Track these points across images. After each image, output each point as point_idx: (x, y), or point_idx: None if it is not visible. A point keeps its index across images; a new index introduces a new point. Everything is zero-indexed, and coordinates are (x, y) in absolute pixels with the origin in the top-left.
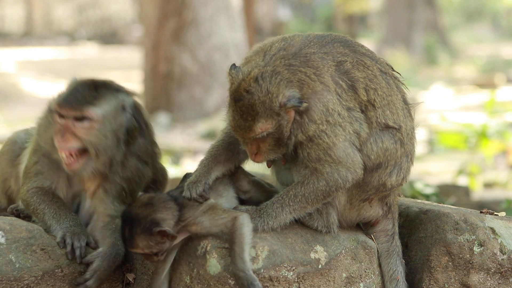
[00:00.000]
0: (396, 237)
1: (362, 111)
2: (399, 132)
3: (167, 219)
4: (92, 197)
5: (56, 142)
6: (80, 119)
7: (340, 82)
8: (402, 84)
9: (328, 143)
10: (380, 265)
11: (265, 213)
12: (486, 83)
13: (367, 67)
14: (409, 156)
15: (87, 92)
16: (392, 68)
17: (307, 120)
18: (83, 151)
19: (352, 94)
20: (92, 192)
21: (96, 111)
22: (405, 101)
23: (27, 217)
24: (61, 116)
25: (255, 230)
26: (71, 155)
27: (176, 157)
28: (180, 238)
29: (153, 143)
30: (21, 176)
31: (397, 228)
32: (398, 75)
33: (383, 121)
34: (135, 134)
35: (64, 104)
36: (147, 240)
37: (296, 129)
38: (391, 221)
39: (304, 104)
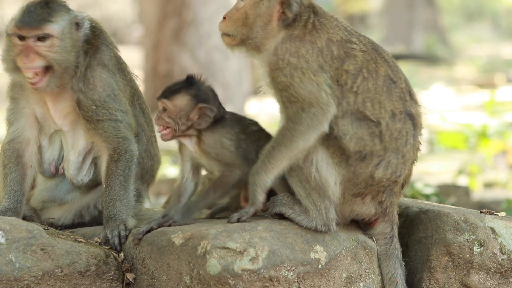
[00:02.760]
0: (395, 240)
1: (338, 82)
2: (377, 127)
3: (212, 111)
4: (74, 129)
5: (20, 64)
6: (41, 37)
7: (333, 48)
8: (413, 100)
9: (285, 83)
10: (379, 267)
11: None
12: (486, 83)
13: (375, 62)
14: (400, 154)
15: (42, 11)
16: (411, 93)
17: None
18: (46, 69)
19: (337, 63)
20: (71, 123)
21: (55, 27)
22: (406, 112)
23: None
24: (21, 37)
25: (253, 184)
26: (36, 74)
27: (176, 157)
28: (185, 139)
29: (117, 57)
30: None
31: (396, 231)
32: (417, 98)
33: (360, 109)
34: (94, 42)
35: (23, 25)
36: (186, 103)
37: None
38: (389, 225)
39: None
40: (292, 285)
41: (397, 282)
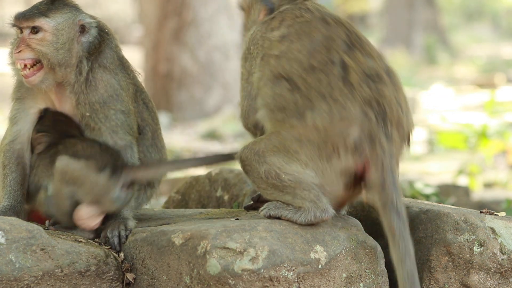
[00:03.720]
0: (388, 187)
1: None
2: (290, 82)
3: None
4: None
5: (12, 54)
6: (35, 30)
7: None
8: (353, 48)
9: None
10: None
11: None
12: (486, 83)
13: (310, 27)
14: (330, 99)
15: (44, 6)
16: (353, 44)
17: None
18: (38, 64)
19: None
20: None
21: (49, 22)
22: (332, 60)
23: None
24: (20, 29)
25: None
26: (26, 66)
27: (176, 157)
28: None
29: (120, 56)
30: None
31: (389, 178)
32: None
33: (275, 72)
34: (99, 47)
35: (19, 16)
36: None
37: None
38: (379, 173)
39: None
40: (292, 285)
41: (394, 234)
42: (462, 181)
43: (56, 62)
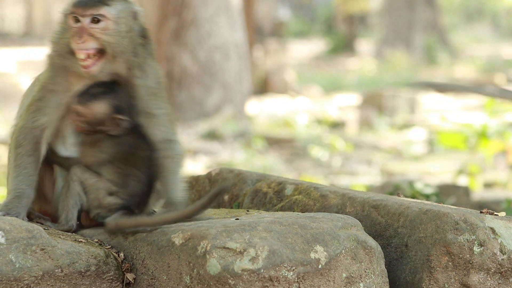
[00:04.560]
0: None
1: None
2: None
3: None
4: None
5: (74, 45)
6: (96, 19)
7: None
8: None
9: None
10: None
11: None
12: (486, 83)
13: None
14: None
15: None
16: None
17: None
18: (100, 53)
19: None
20: None
21: (110, 11)
22: None
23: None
24: (77, 19)
25: None
26: (88, 56)
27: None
28: None
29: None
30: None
31: None
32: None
33: None
34: (149, 35)
35: (79, 5)
36: (103, 109)
37: None
38: None
39: None
40: (292, 285)
41: None
42: (462, 181)
43: (120, 51)
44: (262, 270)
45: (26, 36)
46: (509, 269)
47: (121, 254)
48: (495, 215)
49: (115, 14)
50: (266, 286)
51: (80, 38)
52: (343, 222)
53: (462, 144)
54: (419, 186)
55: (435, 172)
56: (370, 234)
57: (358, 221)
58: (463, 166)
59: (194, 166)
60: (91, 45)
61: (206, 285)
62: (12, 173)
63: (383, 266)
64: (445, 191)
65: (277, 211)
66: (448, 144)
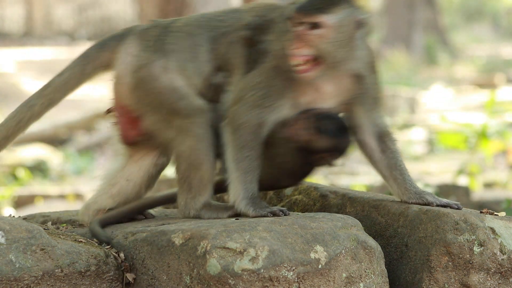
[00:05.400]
0: None
1: None
2: None
3: None
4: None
5: (290, 49)
6: (314, 26)
7: None
8: None
9: None
10: None
11: None
12: (486, 83)
13: None
14: None
15: (323, 0)
16: None
17: None
18: (316, 60)
19: None
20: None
21: (330, 19)
22: None
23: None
24: (296, 23)
25: None
26: (304, 62)
27: None
28: None
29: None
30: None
31: None
32: None
33: None
34: (370, 45)
35: (300, 11)
36: (325, 145)
37: None
38: None
39: None
40: (292, 285)
41: None
42: (462, 181)
43: (335, 59)
44: (262, 270)
45: (26, 36)
46: (509, 269)
47: (121, 254)
48: (495, 215)
49: (335, 23)
50: (266, 286)
51: (296, 43)
52: (343, 222)
53: (462, 144)
54: (419, 186)
55: (435, 172)
56: (370, 234)
57: (358, 221)
58: (463, 166)
59: None
60: (306, 52)
61: (206, 285)
62: (243, 177)
63: (383, 266)
64: (445, 191)
65: None
66: (448, 144)
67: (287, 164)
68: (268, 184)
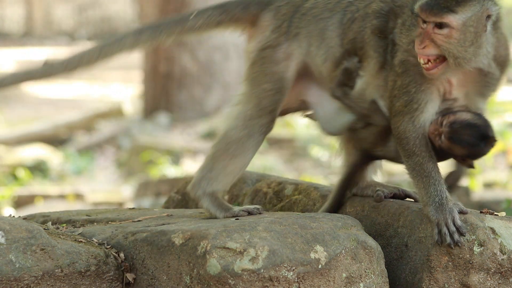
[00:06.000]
0: None
1: None
2: None
3: None
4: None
5: (416, 47)
6: (440, 26)
7: None
8: None
9: None
10: None
11: None
12: None
13: None
14: None
15: None
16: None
17: None
18: (441, 58)
19: None
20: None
21: (456, 18)
22: None
23: None
24: (422, 20)
25: None
26: (429, 61)
27: (176, 157)
28: None
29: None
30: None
31: None
32: None
33: None
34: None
35: (425, 9)
36: (461, 152)
37: None
38: None
39: None
40: (292, 285)
41: None
42: (462, 181)
43: (461, 59)
44: (262, 270)
45: (26, 36)
46: (509, 269)
47: (121, 254)
48: (495, 215)
49: (461, 23)
50: (266, 286)
51: (421, 42)
52: (343, 222)
53: None
54: None
55: None
56: (370, 234)
57: (358, 221)
58: None
59: (194, 166)
60: (431, 52)
61: (206, 285)
62: (421, 182)
63: (383, 266)
64: None
65: (277, 211)
66: None
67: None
68: None
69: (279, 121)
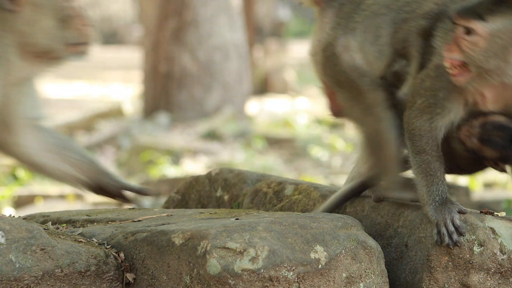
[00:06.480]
0: None
1: None
2: None
3: None
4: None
5: (444, 50)
6: (468, 31)
7: None
8: None
9: None
10: None
11: None
12: None
13: None
14: None
15: (485, 5)
16: None
17: None
18: (465, 65)
19: None
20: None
21: (484, 26)
22: None
23: None
24: (456, 24)
25: None
26: (453, 66)
27: (176, 157)
28: None
29: None
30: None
31: None
32: None
33: None
34: None
35: (457, 12)
36: (492, 155)
37: None
38: None
39: None
40: (292, 285)
41: None
42: (462, 181)
43: (482, 70)
44: (262, 270)
45: None
46: (509, 269)
47: (121, 254)
48: (495, 215)
49: (489, 32)
50: (266, 286)
51: (450, 46)
52: (343, 222)
53: None
54: None
55: None
56: (370, 234)
57: (358, 221)
58: None
59: (194, 166)
60: (456, 56)
61: (206, 285)
62: (424, 180)
63: (383, 266)
64: None
65: (277, 211)
66: None
67: (463, 159)
68: (450, 171)
69: (279, 121)
